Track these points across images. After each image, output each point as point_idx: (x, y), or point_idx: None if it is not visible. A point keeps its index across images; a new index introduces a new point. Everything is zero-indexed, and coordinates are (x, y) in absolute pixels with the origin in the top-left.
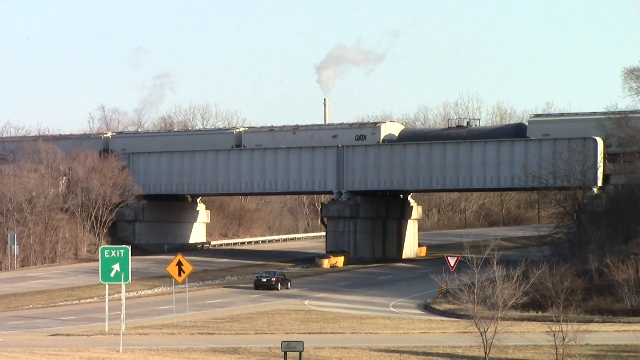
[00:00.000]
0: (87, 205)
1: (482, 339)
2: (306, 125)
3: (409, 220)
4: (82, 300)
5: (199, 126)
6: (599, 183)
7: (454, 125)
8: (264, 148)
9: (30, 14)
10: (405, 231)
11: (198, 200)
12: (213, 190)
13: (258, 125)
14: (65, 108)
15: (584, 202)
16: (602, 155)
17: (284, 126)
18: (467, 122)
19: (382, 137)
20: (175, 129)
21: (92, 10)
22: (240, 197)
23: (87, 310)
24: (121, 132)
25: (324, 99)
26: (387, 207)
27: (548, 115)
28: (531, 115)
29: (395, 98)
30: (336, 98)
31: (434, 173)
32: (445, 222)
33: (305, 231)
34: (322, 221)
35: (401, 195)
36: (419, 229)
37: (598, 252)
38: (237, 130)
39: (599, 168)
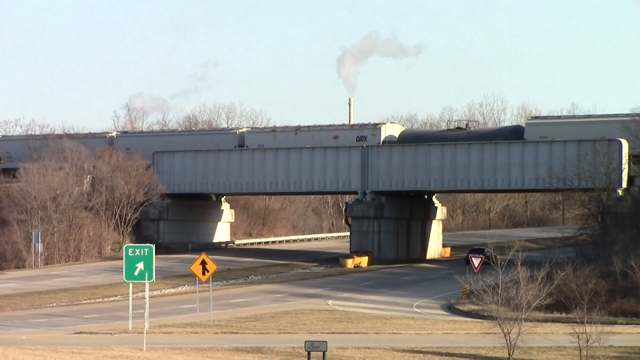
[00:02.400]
0: (111, 204)
1: (506, 340)
2: (308, 126)
3: (433, 221)
4: (105, 299)
5: (224, 125)
6: (624, 185)
7: (453, 127)
8: (288, 148)
9: (54, 11)
10: (429, 232)
11: (222, 199)
12: (237, 190)
13: (261, 126)
14: (92, 106)
15: (608, 203)
16: (627, 157)
17: (285, 127)
18: (466, 124)
19: (382, 138)
20: (200, 128)
21: (116, 8)
22: (264, 196)
23: (111, 308)
24: (126, 132)
25: (349, 99)
26: (412, 208)
27: (545, 117)
28: (528, 118)
29: (421, 99)
30: (362, 98)
31: (458, 174)
32: (469, 222)
33: (330, 231)
34: (346, 221)
35: (425, 196)
36: (443, 230)
37: (622, 253)
38: (240, 130)
39: (623, 170)
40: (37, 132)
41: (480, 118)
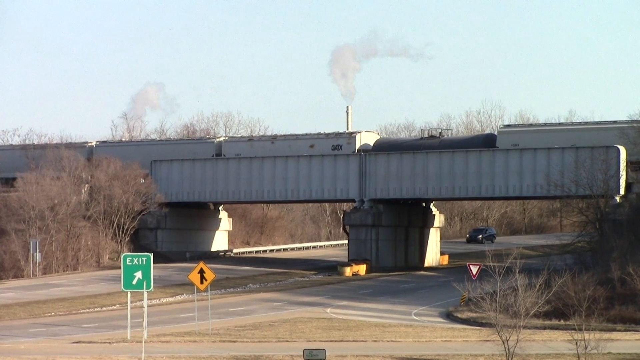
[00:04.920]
0: (109, 213)
1: (504, 348)
2: (284, 135)
3: (431, 229)
4: (104, 308)
5: (222, 134)
6: (622, 191)
7: (426, 136)
8: (286, 156)
9: (55, 20)
10: (427, 239)
11: (220, 208)
12: (235, 198)
13: (238, 135)
14: (92, 115)
15: (606, 210)
16: (625, 164)
17: (262, 136)
18: (440, 133)
19: (357, 146)
20: (197, 137)
21: (117, 18)
22: (262, 205)
23: (109, 317)
24: (105, 141)
25: (347, 107)
26: (410, 215)
27: (517, 126)
28: (501, 126)
29: (419, 106)
30: (359, 106)
31: (456, 181)
32: (467, 230)
33: (328, 239)
34: (344, 229)
35: (423, 204)
36: (441, 237)
37: (620, 260)
38: (218, 139)
39: (621, 176)
40: (35, 142)
41: (478, 125)
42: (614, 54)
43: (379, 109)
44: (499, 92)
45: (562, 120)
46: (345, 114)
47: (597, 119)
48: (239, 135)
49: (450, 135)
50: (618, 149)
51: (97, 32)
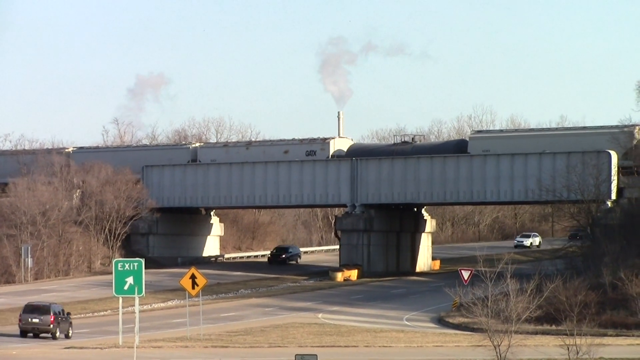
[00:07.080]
0: (100, 218)
1: (496, 353)
2: (259, 141)
3: (423, 234)
4: (95, 313)
5: (213, 139)
6: (613, 196)
7: (399, 142)
8: (277, 161)
9: (46, 23)
10: (419, 244)
11: (212, 213)
12: (227, 203)
13: (213, 141)
14: (83, 120)
15: (597, 215)
16: (616, 169)
17: (237, 142)
18: (412, 139)
19: (331, 152)
20: (190, 142)
21: (107, 23)
22: (254, 210)
23: (101, 323)
24: (82, 147)
25: (338, 112)
26: (401, 221)
27: (488, 132)
28: (472, 132)
29: (411, 111)
30: (354, 110)
31: (447, 186)
32: (459, 235)
33: (319, 244)
34: (335, 234)
35: (415, 209)
36: (433, 242)
37: (612, 265)
38: (193, 145)
39: (612, 181)
40: (27, 147)
41: (469, 130)
42: (606, 59)
43: (371, 114)
44: (490, 97)
45: (553, 125)
46: (337, 119)
47: (588, 124)
48: (214, 142)
49: (422, 141)
50: (609, 154)
51: (90, 37)
